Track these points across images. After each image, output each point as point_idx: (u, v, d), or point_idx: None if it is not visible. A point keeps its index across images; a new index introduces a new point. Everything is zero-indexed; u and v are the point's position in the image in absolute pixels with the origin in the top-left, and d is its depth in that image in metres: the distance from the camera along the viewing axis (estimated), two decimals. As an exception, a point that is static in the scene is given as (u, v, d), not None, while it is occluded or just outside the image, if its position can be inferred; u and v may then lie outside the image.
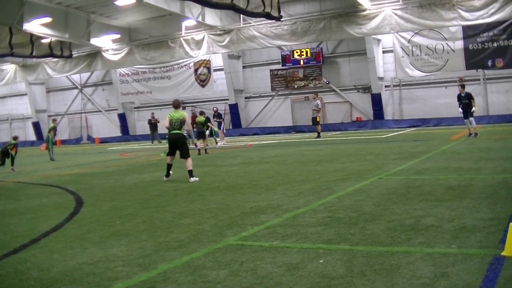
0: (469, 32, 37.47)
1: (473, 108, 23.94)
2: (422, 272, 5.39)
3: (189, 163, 14.84)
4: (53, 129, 30.18)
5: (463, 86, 24.78)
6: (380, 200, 9.57)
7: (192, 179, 14.51)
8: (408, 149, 20.34)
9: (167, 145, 15.92)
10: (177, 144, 14.99)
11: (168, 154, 15.38)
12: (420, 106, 40.28)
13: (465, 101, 23.91)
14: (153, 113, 47.66)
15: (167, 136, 15.88)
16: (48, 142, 29.88)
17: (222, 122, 35.22)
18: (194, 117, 48.15)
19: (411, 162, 15.33)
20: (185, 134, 14.99)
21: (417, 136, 27.66)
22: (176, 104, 15.62)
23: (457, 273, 5.30)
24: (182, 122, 14.98)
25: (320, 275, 5.55)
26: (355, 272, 5.55)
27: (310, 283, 5.33)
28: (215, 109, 36.83)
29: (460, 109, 24.37)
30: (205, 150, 25.83)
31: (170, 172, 15.36)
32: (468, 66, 37.99)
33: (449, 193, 9.85)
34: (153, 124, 45.41)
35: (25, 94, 59.84)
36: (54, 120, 32.99)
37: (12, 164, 23.22)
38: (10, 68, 55.10)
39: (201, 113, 28.49)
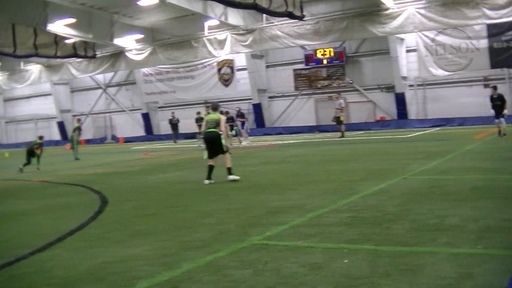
0: (494, 31, 37.10)
1: (505, 111, 23.84)
2: (446, 273, 5.34)
3: (228, 160, 14.33)
4: (78, 129, 30.35)
5: (495, 88, 24.70)
6: (404, 200, 9.52)
7: (231, 176, 14.19)
8: (432, 148, 20.23)
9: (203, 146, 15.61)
10: (213, 142, 14.42)
11: (209, 157, 14.43)
12: (444, 105, 39.99)
13: (497, 102, 23.81)
14: (173, 113, 47.84)
15: (203, 136, 15.48)
16: (72, 142, 30.10)
17: (246, 121, 35.21)
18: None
19: (435, 162, 15.24)
20: (220, 133, 14.38)
21: (441, 136, 27.49)
22: (215, 107, 15.33)
23: (482, 274, 5.25)
24: (217, 123, 14.47)
25: (344, 275, 5.52)
26: (379, 272, 5.52)
27: (334, 283, 5.30)
28: (237, 108, 36.77)
29: (492, 110, 24.27)
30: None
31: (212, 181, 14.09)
32: (493, 65, 37.64)
33: (474, 193, 9.77)
34: (174, 124, 45.57)
35: (50, 94, 60.33)
36: (78, 120, 33.17)
37: (38, 163, 23.45)
38: (35, 68, 55.52)
39: (226, 112, 28.53)
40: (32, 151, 23.70)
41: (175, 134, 45.68)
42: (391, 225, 7.62)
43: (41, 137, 25.10)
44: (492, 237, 6.65)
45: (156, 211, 10.33)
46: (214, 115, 14.82)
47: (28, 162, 23.44)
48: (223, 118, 14.88)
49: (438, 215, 8.01)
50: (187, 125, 46.19)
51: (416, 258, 5.94)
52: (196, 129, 30.02)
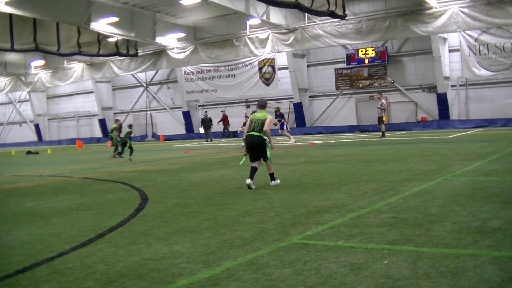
0: (539, 30, 36.63)
1: None
2: (489, 276, 5.30)
3: (270, 166, 13.30)
4: (116, 129, 30.39)
5: None
6: (445, 202, 9.44)
7: (273, 182, 13.32)
8: (475, 150, 20.01)
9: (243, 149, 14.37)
10: (256, 148, 13.23)
11: (251, 160, 13.35)
12: (487, 106, 39.53)
13: None
14: (206, 112, 48.33)
15: (244, 138, 14.07)
16: (113, 140, 30.41)
17: (285, 121, 34.78)
18: (224, 117, 48.76)
19: (478, 163, 15.08)
20: (265, 138, 13.19)
21: (484, 137, 27.17)
22: (262, 104, 13.99)
23: (525, 278, 5.20)
24: (263, 124, 13.14)
25: (384, 276, 5.51)
26: (420, 274, 5.50)
27: (374, 284, 5.30)
28: (275, 109, 35.45)
29: None
30: None
31: (252, 185, 13.02)
32: (538, 65, 37.15)
33: (517, 196, 9.68)
34: (206, 123, 46.01)
35: (92, 92, 61.10)
36: (117, 121, 33.31)
37: (131, 154, 24.33)
38: (77, 66, 56.23)
39: (277, 109, 28.50)
40: (126, 142, 25.17)
41: (209, 133, 46.07)
42: (432, 226, 7.57)
43: (130, 126, 26.90)
44: (536, 240, 6.58)
45: (197, 209, 10.39)
46: (260, 114, 13.52)
47: (121, 152, 24.99)
48: (270, 117, 13.46)
49: (480, 218, 7.94)
50: (230, 123, 46.56)
51: (457, 260, 5.90)
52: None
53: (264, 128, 13.05)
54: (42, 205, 12.36)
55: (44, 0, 35.63)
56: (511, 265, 5.62)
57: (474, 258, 5.96)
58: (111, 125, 55.12)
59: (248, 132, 13.36)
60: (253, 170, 13.08)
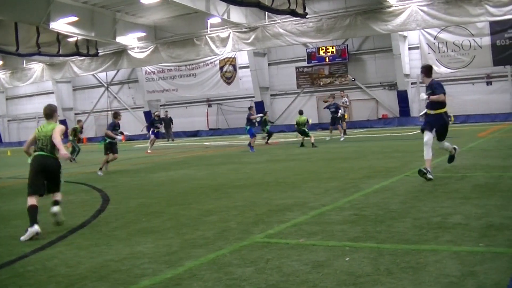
0: (497, 28, 36.96)
1: None
2: (449, 271, 5.35)
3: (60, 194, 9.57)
4: (77, 131, 29.01)
5: None
6: (406, 198, 9.52)
7: (55, 209, 9.27)
8: (435, 146, 20.15)
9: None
10: (51, 175, 9.38)
11: (41, 193, 9.34)
12: (447, 103, 39.82)
13: None
14: (166, 111, 49.05)
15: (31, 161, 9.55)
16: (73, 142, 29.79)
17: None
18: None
19: (438, 160, 15.21)
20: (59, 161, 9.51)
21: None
22: (48, 113, 9.76)
23: (485, 272, 5.25)
24: (51, 140, 9.26)
25: (346, 273, 5.53)
26: (381, 270, 5.53)
27: (336, 281, 5.31)
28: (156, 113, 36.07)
29: None
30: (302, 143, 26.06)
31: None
32: (496, 62, 37.48)
33: (477, 191, 9.78)
34: (166, 122, 46.35)
35: (52, 93, 60.37)
36: (79, 122, 32.37)
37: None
38: (37, 67, 55.55)
39: (301, 112, 28.33)
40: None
41: (170, 132, 46.15)
42: (393, 223, 7.63)
43: (79, 121, 27.02)
44: (495, 235, 6.66)
45: (159, 209, 10.35)
46: (48, 127, 9.50)
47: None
48: (58, 128, 9.36)
49: (440, 213, 8.02)
50: (190, 123, 46.41)
51: (418, 256, 5.95)
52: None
53: (55, 141, 9.18)
54: (2, 207, 12.23)
55: (2, 0, 35.18)
56: (471, 260, 5.67)
57: (435, 253, 6.01)
58: (72, 126, 54.69)
59: (35, 152, 9.43)
60: (36, 212, 8.83)
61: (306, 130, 25.97)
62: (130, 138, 52.65)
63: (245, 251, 6.69)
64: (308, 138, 25.35)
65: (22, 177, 19.64)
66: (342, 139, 28.68)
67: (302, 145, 25.76)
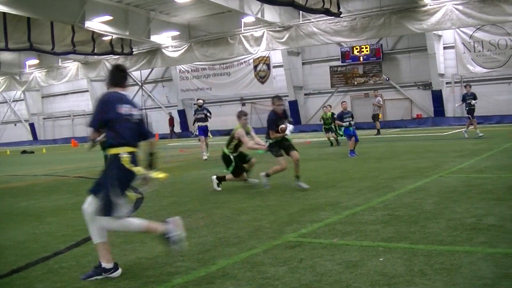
0: (534, 27, 36.65)
1: None
2: (483, 273, 5.31)
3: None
4: None
5: None
6: (440, 199, 9.45)
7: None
8: (469, 146, 20.03)
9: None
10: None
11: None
12: (481, 103, 39.26)
13: None
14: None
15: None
16: None
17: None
18: (170, 119, 50.42)
19: (472, 160, 15.10)
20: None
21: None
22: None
23: (519, 274, 5.21)
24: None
25: (379, 273, 5.52)
26: (415, 271, 5.51)
27: (369, 281, 5.30)
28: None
29: None
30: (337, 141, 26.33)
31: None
32: (532, 62, 37.16)
33: (512, 192, 9.69)
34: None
35: (87, 91, 60.96)
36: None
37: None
38: (72, 65, 56.05)
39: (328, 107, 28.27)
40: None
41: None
42: (427, 223, 7.58)
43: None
44: (530, 236, 6.60)
45: (192, 207, 10.39)
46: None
47: None
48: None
49: (475, 214, 7.95)
50: (224, 122, 46.41)
51: (452, 257, 5.91)
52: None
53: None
54: (36, 204, 12.35)
55: (38, -1, 35.59)
56: (505, 262, 5.63)
57: (469, 255, 5.97)
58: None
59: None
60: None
61: (333, 127, 25.83)
62: (163, 137, 53.04)
63: (278, 250, 6.69)
64: (337, 136, 25.34)
65: (56, 174, 19.90)
66: None
67: (331, 144, 25.69)
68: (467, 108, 25.38)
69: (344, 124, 20.64)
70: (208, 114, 23.52)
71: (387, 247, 6.52)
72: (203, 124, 23.26)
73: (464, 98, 25.61)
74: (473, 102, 24.83)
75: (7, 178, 20.23)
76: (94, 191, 6.19)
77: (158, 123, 56.68)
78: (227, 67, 50.45)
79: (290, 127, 11.89)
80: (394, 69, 43.27)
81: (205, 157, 22.28)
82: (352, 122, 20.51)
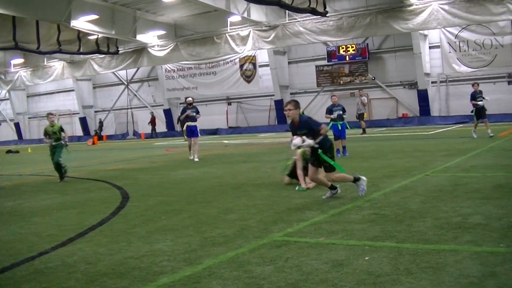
0: (518, 27, 36.83)
1: None
2: (469, 271, 5.32)
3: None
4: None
5: None
6: (426, 198, 9.47)
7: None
8: (455, 145, 20.10)
9: None
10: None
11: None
12: (467, 102, 39.22)
13: None
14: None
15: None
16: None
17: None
18: (152, 119, 50.84)
19: (459, 159, 15.15)
20: None
21: (464, 133, 27.35)
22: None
23: (505, 273, 5.22)
24: None
25: (365, 272, 5.52)
26: (401, 270, 5.51)
27: (355, 280, 5.30)
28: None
29: None
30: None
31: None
32: (517, 62, 37.34)
33: (498, 191, 9.70)
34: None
35: (73, 90, 60.87)
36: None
37: None
38: (58, 64, 55.91)
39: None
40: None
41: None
42: (413, 222, 7.59)
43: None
44: (516, 235, 6.62)
45: (178, 207, 10.35)
46: None
47: None
48: None
49: (461, 213, 7.97)
50: (210, 121, 46.43)
51: (438, 256, 5.92)
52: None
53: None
54: (22, 204, 12.28)
55: (24, -2, 35.41)
56: (491, 260, 5.64)
57: (455, 253, 5.98)
58: (92, 123, 55.23)
59: None
60: None
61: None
62: (149, 136, 53.01)
63: (264, 250, 6.68)
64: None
65: (43, 174, 19.80)
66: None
67: None
68: (474, 108, 24.48)
69: (332, 116, 19.23)
70: (198, 113, 22.38)
71: (373, 246, 6.52)
72: (193, 124, 21.82)
73: (474, 97, 24.59)
74: (483, 101, 24.15)
75: (-8, 178, 20.13)
76: None
77: (144, 122, 56.63)
78: (213, 66, 50.48)
79: (295, 140, 10.21)
80: (380, 68, 43.43)
81: (196, 159, 21.33)
82: (345, 116, 19.62)
